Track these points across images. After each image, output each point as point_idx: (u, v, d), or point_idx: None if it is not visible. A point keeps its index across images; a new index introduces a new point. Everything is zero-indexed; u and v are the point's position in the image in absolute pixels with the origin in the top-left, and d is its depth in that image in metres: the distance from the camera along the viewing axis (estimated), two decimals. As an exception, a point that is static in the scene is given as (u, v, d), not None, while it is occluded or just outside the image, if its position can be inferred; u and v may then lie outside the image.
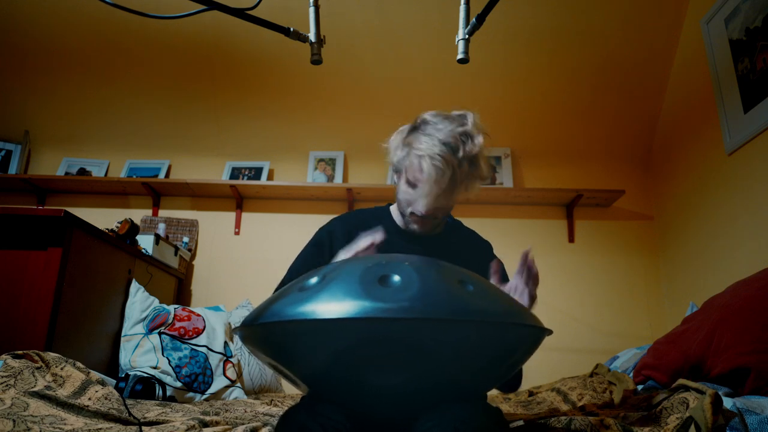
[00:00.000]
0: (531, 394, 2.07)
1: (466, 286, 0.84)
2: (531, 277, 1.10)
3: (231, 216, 3.08)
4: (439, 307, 0.77)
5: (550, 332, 0.91)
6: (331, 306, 0.77)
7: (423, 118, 1.22)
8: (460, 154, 1.15)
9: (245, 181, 2.93)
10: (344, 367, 0.83)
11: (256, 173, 3.09)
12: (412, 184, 1.21)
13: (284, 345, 0.86)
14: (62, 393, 1.25)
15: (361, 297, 0.77)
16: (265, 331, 0.86)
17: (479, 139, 1.18)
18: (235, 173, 3.10)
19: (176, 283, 2.82)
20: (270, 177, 3.13)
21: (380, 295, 0.77)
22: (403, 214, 1.30)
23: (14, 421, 0.99)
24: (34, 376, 1.28)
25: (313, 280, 0.86)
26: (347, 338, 0.78)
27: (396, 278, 0.82)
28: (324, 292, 0.80)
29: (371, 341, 0.78)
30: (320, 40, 1.37)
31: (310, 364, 0.86)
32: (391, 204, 1.43)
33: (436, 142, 1.15)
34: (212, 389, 2.06)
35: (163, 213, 3.07)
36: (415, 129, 1.21)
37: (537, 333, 0.88)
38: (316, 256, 1.30)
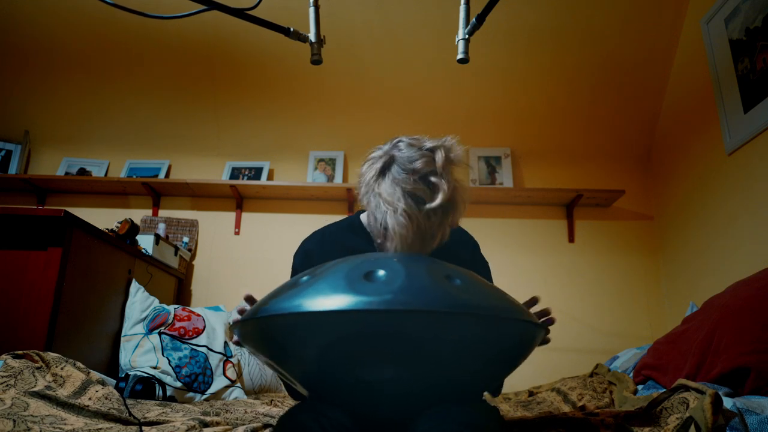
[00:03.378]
0: (531, 394, 2.07)
1: (453, 281, 0.84)
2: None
3: (231, 216, 3.08)
4: (423, 299, 0.77)
5: (543, 328, 0.90)
6: (316, 300, 0.78)
7: (393, 154, 1.05)
8: (427, 205, 0.99)
9: (245, 181, 2.93)
10: (335, 362, 0.83)
11: (256, 173, 3.09)
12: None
13: (274, 341, 0.87)
14: (62, 393, 1.25)
15: (346, 291, 0.78)
16: (255, 326, 0.87)
17: (451, 179, 1.03)
18: (235, 173, 3.10)
19: (176, 283, 2.82)
20: (270, 177, 3.13)
21: (364, 289, 0.78)
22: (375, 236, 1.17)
23: (14, 421, 0.99)
24: (34, 376, 1.28)
25: (304, 278, 0.87)
26: (333, 332, 0.79)
27: (381, 273, 0.82)
28: (311, 288, 0.81)
29: (359, 335, 0.78)
30: (320, 40, 1.37)
31: (302, 360, 0.86)
32: (362, 212, 1.30)
33: (399, 195, 0.99)
34: (212, 389, 2.06)
35: (163, 213, 3.07)
36: (384, 168, 1.04)
37: (529, 328, 0.87)
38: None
